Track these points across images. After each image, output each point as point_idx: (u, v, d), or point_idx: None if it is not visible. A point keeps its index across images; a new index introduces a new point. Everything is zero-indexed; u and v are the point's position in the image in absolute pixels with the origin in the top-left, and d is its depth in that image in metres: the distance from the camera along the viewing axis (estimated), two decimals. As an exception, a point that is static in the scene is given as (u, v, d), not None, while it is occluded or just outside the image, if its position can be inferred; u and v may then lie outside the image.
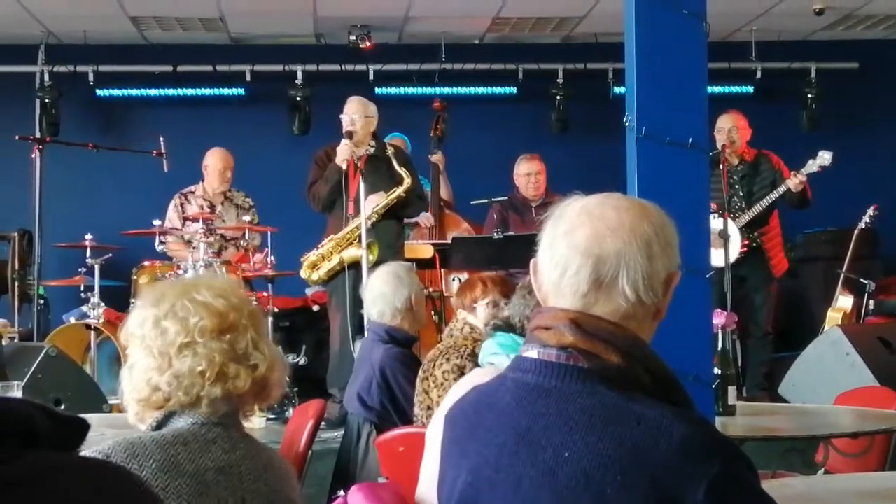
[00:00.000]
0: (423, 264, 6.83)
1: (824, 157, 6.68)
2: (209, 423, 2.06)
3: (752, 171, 7.01)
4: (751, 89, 9.43)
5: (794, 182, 6.71)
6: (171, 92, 9.28)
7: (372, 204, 6.32)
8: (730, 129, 6.94)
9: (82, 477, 1.15)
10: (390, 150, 6.60)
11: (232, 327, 2.08)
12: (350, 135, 6.37)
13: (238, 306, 2.10)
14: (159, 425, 2.07)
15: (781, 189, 6.78)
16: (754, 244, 6.91)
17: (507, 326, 2.74)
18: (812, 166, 6.70)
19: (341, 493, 2.27)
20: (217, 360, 2.05)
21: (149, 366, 2.07)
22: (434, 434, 2.49)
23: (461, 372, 3.69)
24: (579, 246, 1.65)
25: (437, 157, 7.97)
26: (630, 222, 1.66)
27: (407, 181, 6.43)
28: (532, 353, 1.67)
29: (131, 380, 2.09)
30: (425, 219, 7.65)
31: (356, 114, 6.48)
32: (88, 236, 6.79)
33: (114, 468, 1.29)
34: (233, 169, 7.54)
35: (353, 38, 8.84)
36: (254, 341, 2.09)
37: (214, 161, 7.49)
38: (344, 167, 6.32)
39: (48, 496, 1.09)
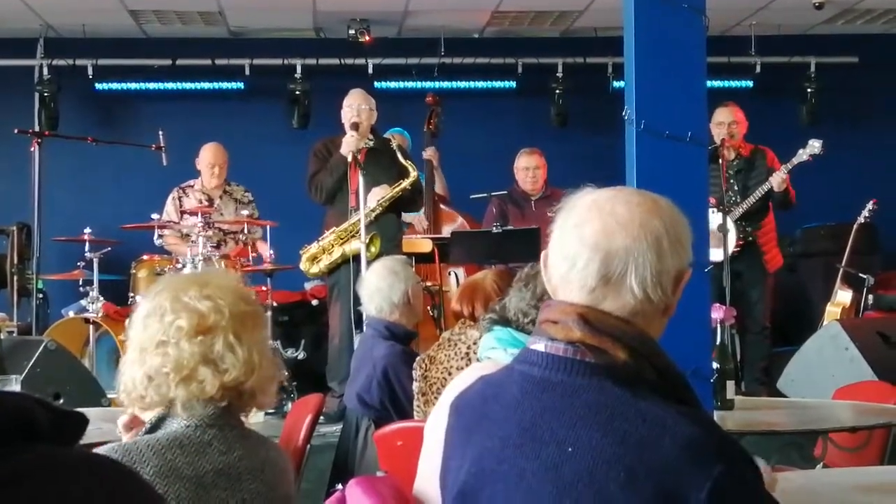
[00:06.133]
0: (421, 258, 6.82)
1: (814, 146, 6.65)
2: (203, 424, 2.04)
3: (748, 166, 6.99)
4: (750, 83, 9.42)
5: (776, 180, 6.69)
6: (170, 86, 9.27)
7: (377, 197, 6.31)
8: (730, 124, 6.92)
9: (83, 472, 1.15)
10: (394, 144, 6.59)
11: (209, 329, 2.04)
12: (356, 126, 6.34)
13: (221, 308, 2.06)
14: (153, 428, 2.06)
15: (765, 187, 6.76)
16: (749, 238, 6.90)
17: (504, 320, 2.72)
18: (802, 155, 6.68)
19: (339, 486, 2.27)
20: (186, 362, 2.02)
21: (132, 359, 2.08)
22: (433, 428, 2.49)
23: None
24: (588, 240, 1.63)
25: (430, 153, 7.94)
26: (640, 218, 1.64)
27: (413, 174, 6.42)
28: (539, 346, 1.67)
29: (123, 371, 2.11)
30: (419, 220, 7.62)
31: (363, 104, 6.47)
32: (87, 230, 6.79)
33: (113, 463, 1.29)
34: (223, 165, 7.48)
35: (352, 31, 8.83)
36: (230, 345, 2.05)
37: (204, 156, 7.47)
38: (349, 159, 6.29)
39: (50, 491, 1.09)
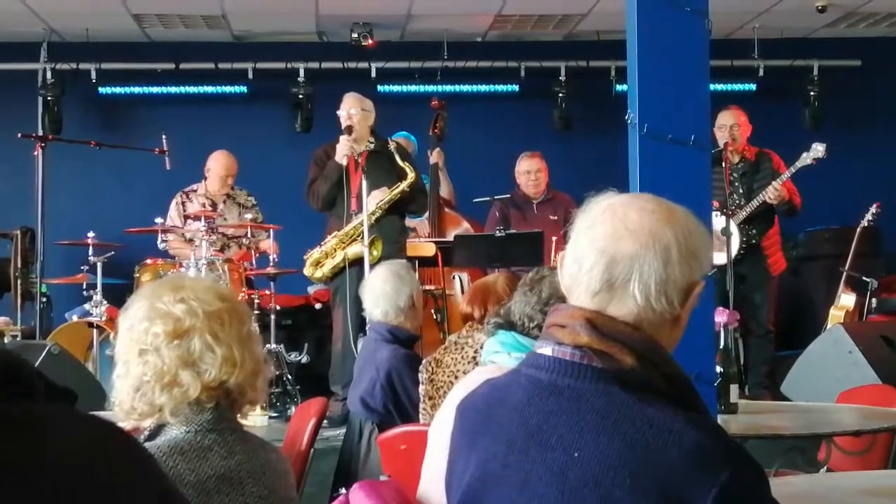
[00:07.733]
0: (424, 262, 6.82)
1: (818, 150, 6.65)
2: (203, 429, 2.05)
3: (753, 170, 6.98)
4: (753, 87, 9.42)
5: (771, 194, 6.68)
6: (173, 89, 9.28)
7: (375, 199, 6.31)
8: (731, 127, 6.91)
9: (82, 424, 1.16)
10: (392, 146, 6.59)
11: (186, 332, 2.05)
12: (349, 130, 6.35)
13: (195, 309, 2.06)
14: (152, 435, 2.07)
15: (760, 198, 6.75)
16: (753, 241, 6.89)
17: (509, 324, 2.71)
18: (806, 159, 6.68)
19: (343, 491, 2.27)
20: (167, 368, 2.03)
21: (120, 373, 2.10)
22: (437, 431, 2.49)
23: None
24: (596, 243, 1.64)
25: (436, 155, 7.95)
26: (651, 226, 1.63)
27: (410, 175, 6.42)
28: (546, 349, 1.67)
29: (114, 385, 2.12)
30: (421, 224, 7.61)
31: (353, 108, 6.48)
32: (91, 234, 6.80)
33: (107, 422, 1.31)
34: (235, 175, 7.51)
35: (355, 35, 8.84)
36: (207, 345, 2.05)
37: (217, 167, 7.46)
38: (344, 164, 6.30)
39: (47, 439, 1.10)
